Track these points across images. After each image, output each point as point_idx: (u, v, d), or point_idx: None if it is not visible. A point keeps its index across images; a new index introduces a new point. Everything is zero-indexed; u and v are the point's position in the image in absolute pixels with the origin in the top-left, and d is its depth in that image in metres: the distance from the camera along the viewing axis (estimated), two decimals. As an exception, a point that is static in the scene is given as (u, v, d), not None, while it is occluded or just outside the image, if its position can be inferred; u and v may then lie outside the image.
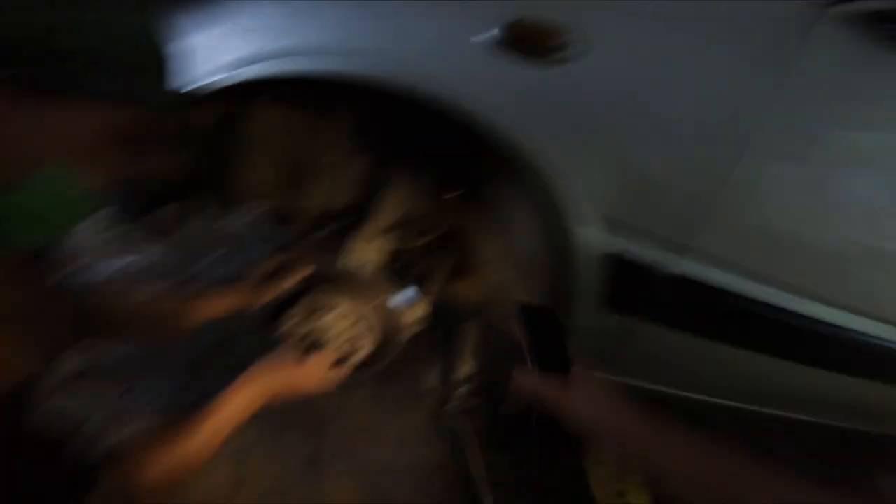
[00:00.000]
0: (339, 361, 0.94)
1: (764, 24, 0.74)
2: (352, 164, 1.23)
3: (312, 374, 0.84)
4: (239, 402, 0.75)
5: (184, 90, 0.89)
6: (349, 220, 1.20)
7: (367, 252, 1.09)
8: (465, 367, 1.35)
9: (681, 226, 0.82)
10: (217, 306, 0.95)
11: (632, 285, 0.86)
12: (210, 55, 0.89)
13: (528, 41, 0.75)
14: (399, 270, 1.31)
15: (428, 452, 1.47)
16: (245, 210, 1.68)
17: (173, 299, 0.93)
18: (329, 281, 1.02)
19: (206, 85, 0.88)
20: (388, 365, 1.73)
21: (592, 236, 0.83)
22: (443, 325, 1.53)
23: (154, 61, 0.59)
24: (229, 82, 0.86)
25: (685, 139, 0.78)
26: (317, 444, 1.41)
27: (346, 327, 0.98)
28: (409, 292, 1.30)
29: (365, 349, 1.01)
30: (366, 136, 1.14)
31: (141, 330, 0.92)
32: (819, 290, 0.88)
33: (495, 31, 0.76)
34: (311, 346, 0.93)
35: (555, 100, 0.77)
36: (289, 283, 0.99)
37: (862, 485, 1.74)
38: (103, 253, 1.78)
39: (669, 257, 0.84)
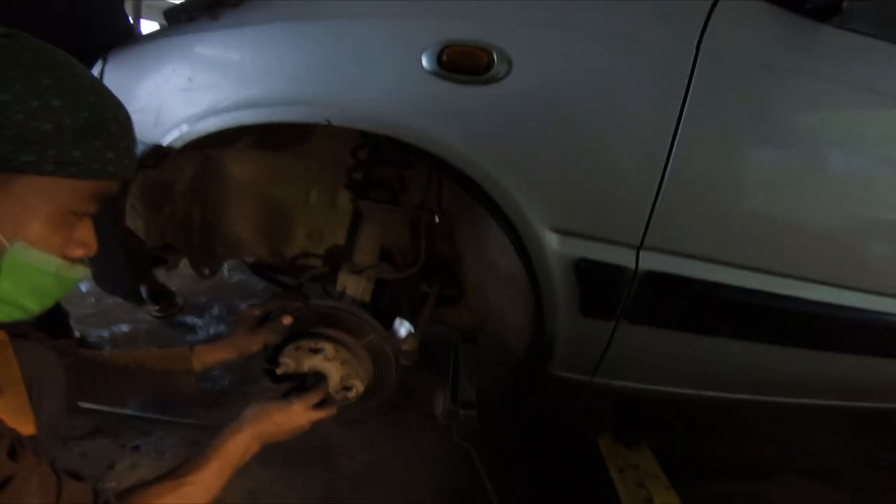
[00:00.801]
0: (327, 401, 0.95)
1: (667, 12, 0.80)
2: (334, 202, 1.27)
3: (297, 414, 0.88)
4: (234, 446, 0.80)
5: (151, 149, 0.92)
6: (337, 259, 1.22)
7: (355, 284, 1.10)
8: (469, 389, 1.35)
9: (630, 224, 0.84)
10: (216, 355, 1.01)
11: (601, 289, 0.87)
12: (169, 111, 0.93)
13: (461, 63, 0.78)
14: (389, 303, 1.33)
15: (442, 478, 1.45)
16: (235, 262, 1.73)
17: (178, 352, 0.98)
18: (317, 323, 1.04)
19: (172, 142, 0.92)
20: (395, 396, 1.75)
21: (552, 247, 0.85)
22: (444, 351, 1.54)
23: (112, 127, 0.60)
24: (192, 137, 0.90)
25: (613, 142, 0.81)
26: (330, 480, 1.41)
27: (333, 368, 1.00)
28: (399, 325, 1.32)
29: (357, 387, 1.02)
30: (347, 173, 1.16)
31: (148, 383, 0.95)
32: (784, 268, 0.88)
33: (430, 58, 0.80)
34: (298, 388, 0.95)
35: (492, 118, 0.80)
36: (276, 328, 1.02)
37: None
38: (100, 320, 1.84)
39: (629, 256, 0.85)
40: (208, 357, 1.00)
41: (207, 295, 2.14)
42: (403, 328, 1.25)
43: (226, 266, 2.27)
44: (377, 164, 1.11)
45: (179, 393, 0.99)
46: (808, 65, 0.83)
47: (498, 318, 1.24)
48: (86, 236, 0.62)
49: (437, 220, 1.23)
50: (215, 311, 2.08)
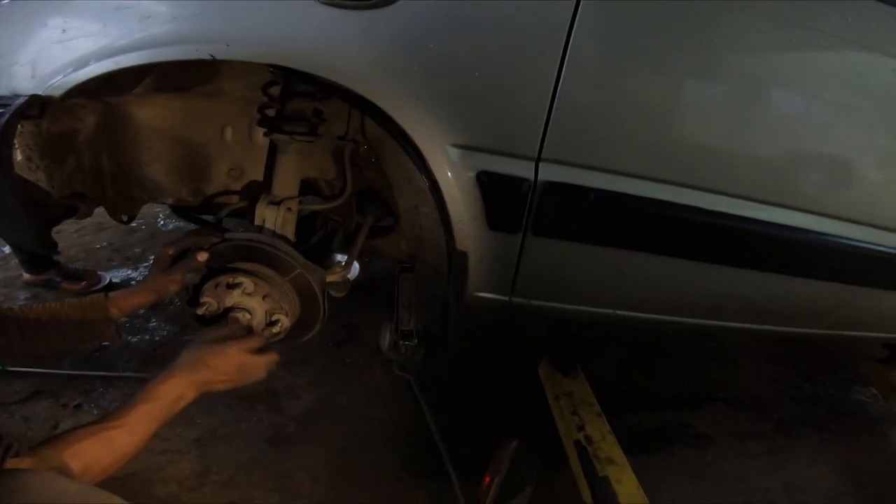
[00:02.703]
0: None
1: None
2: (252, 139, 1.22)
3: (233, 356, 0.87)
4: (164, 391, 0.78)
5: (28, 99, 0.86)
6: (256, 193, 1.18)
7: (273, 217, 1.07)
8: (408, 319, 1.36)
9: (526, 136, 0.85)
10: (134, 300, 0.98)
11: (504, 201, 0.88)
12: (44, 63, 0.88)
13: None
14: (322, 237, 1.32)
15: (390, 412, 1.50)
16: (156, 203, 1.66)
17: (93, 300, 0.94)
18: (235, 257, 1.02)
19: (52, 92, 0.87)
20: (339, 332, 1.76)
21: (453, 161, 0.85)
22: (391, 286, 1.54)
23: None
24: (71, 85, 0.85)
25: (506, 54, 0.81)
26: (276, 422, 1.43)
27: (255, 303, 0.99)
28: (331, 258, 1.31)
29: (283, 321, 1.02)
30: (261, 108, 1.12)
31: (65, 335, 0.92)
32: (681, 178, 0.89)
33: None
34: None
35: (388, 38, 0.80)
36: (192, 265, 0.99)
37: (844, 401, 1.79)
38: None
39: (528, 168, 0.86)
40: (125, 303, 0.96)
41: (142, 245, 2.07)
42: (336, 261, 1.24)
43: (161, 214, 2.18)
44: (291, 98, 1.06)
45: (103, 343, 0.97)
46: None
47: (432, 245, 1.24)
48: None
49: (363, 150, 1.20)
50: (151, 260, 2.00)
